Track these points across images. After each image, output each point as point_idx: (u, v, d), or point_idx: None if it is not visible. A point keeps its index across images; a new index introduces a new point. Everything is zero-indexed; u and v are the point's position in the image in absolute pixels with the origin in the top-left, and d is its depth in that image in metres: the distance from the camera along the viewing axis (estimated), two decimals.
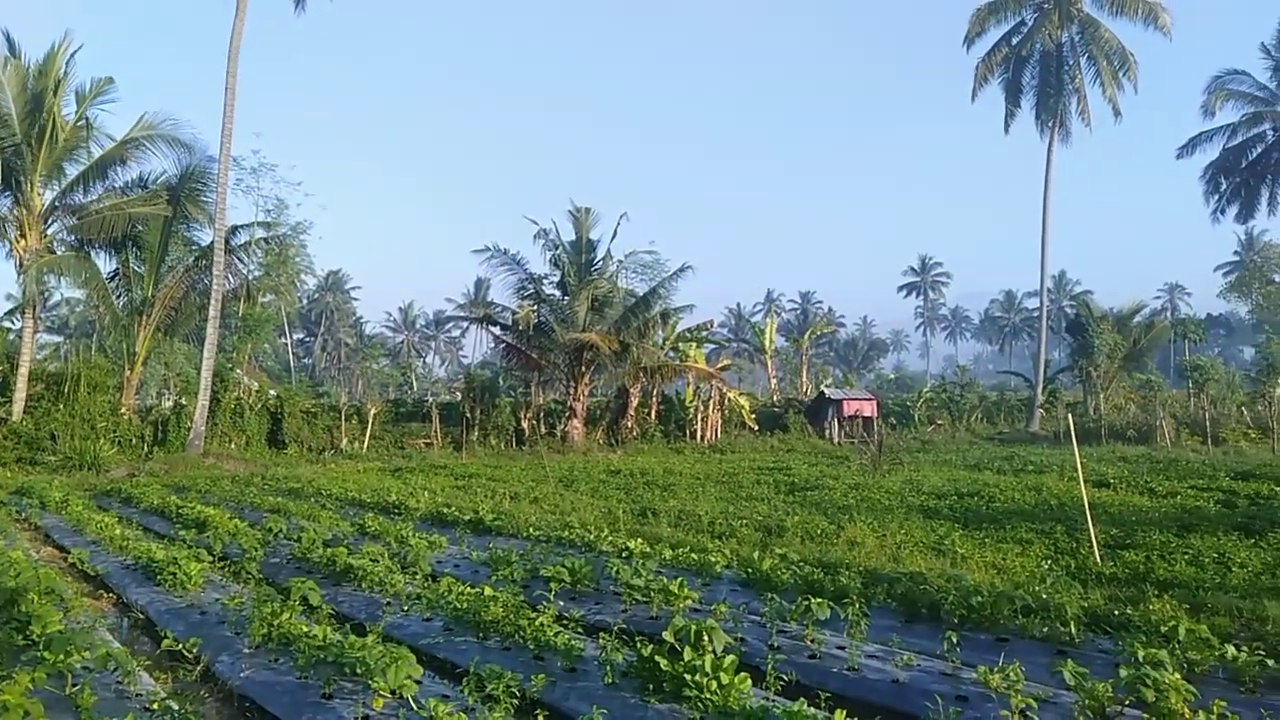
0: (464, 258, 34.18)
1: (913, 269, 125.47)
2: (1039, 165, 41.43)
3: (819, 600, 6.93)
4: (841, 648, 6.67)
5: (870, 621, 7.32)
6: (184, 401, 30.99)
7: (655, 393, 36.79)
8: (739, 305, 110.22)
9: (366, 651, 5.64)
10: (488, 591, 7.62)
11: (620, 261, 34.97)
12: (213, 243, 29.94)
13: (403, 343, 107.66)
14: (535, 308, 34.09)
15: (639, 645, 5.86)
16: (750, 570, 9.21)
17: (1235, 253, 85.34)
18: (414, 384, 79.79)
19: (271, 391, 36.85)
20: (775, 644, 6.84)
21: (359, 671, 5.56)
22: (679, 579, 8.26)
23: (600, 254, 34.72)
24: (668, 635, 5.78)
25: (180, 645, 6.89)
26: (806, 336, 57.91)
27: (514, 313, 34.19)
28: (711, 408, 36.25)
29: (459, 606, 7.53)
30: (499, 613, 7.10)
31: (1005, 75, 41.78)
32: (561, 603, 8.09)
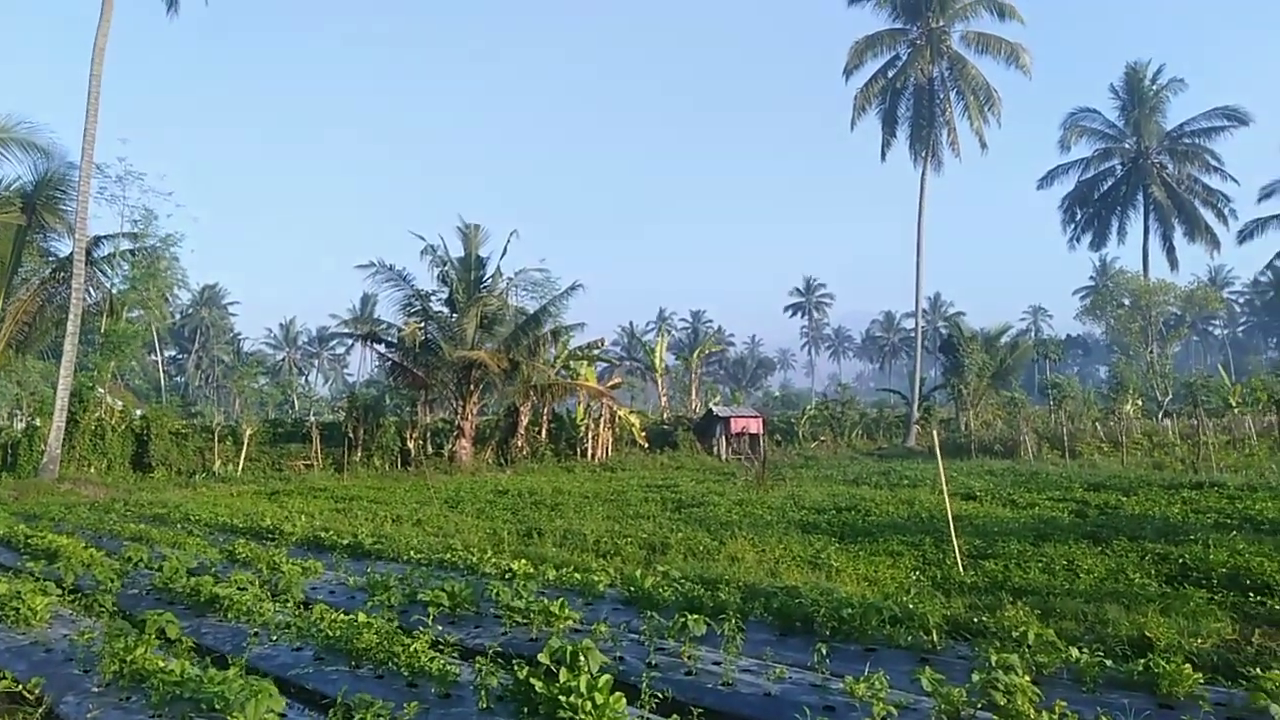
0: (351, 273, 33.28)
1: (798, 290, 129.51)
2: (916, 192, 43.45)
3: (695, 617, 7.04)
4: (718, 663, 6.79)
5: (747, 636, 7.50)
6: (38, 423, 28.91)
7: (546, 411, 36.59)
8: (631, 324, 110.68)
9: (226, 685, 5.39)
10: (361, 618, 7.41)
11: (510, 279, 34.68)
12: (72, 254, 28.15)
13: (284, 360, 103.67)
14: (422, 325, 33.42)
15: (515, 668, 5.81)
16: (633, 589, 9.27)
17: (1091, 278, 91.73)
18: (295, 403, 76.88)
19: (138, 411, 34.82)
20: (653, 662, 6.91)
21: (217, 707, 5.30)
22: (560, 599, 8.23)
23: (490, 271, 34.39)
24: (543, 657, 5.75)
25: (20, 686, 6.41)
26: (695, 355, 58.80)
27: (400, 330, 33.44)
28: (602, 426, 36.29)
29: (331, 634, 7.29)
30: (372, 639, 6.91)
31: (882, 106, 43.73)
32: (440, 627, 7.95)
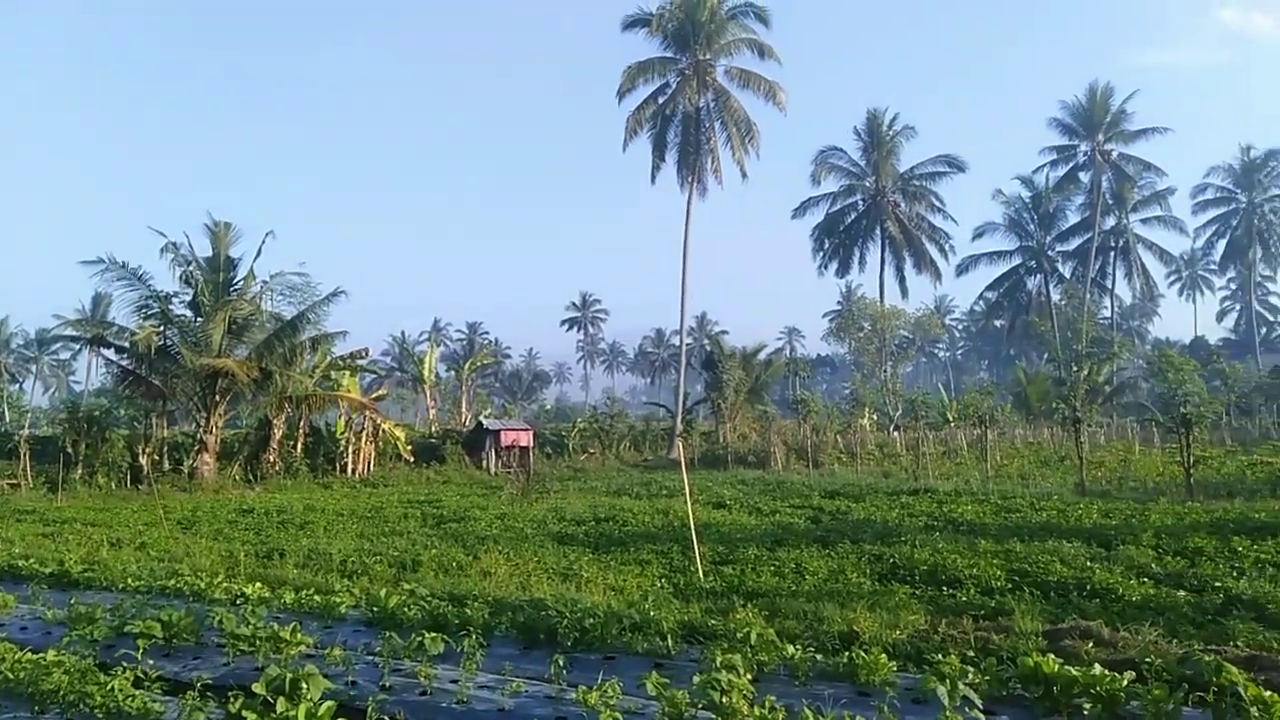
0: (80, 270, 29.39)
1: (575, 304, 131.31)
2: (684, 215, 45.38)
3: (433, 635, 6.90)
4: (456, 681, 6.68)
5: (490, 651, 7.46)
6: None
7: (303, 424, 34.49)
8: (404, 334, 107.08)
9: None
10: (51, 655, 6.61)
11: (265, 282, 32.32)
12: None
13: None
14: (160, 329, 30.40)
15: (230, 700, 5.41)
16: (376, 609, 8.97)
17: (838, 302, 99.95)
18: (5, 414, 67.45)
19: None
20: (387, 684, 6.69)
21: None
22: (294, 624, 7.80)
23: (241, 273, 31.85)
24: (258, 687, 5.40)
25: None
26: (467, 367, 57.91)
27: (133, 334, 30.23)
28: (365, 440, 34.74)
29: (11, 677, 6.44)
30: (62, 679, 6.17)
31: (653, 130, 45.45)
32: (153, 661, 7.25)
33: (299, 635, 7.61)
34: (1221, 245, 79.18)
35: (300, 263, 32.50)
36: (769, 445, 36.05)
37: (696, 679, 5.75)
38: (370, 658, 7.41)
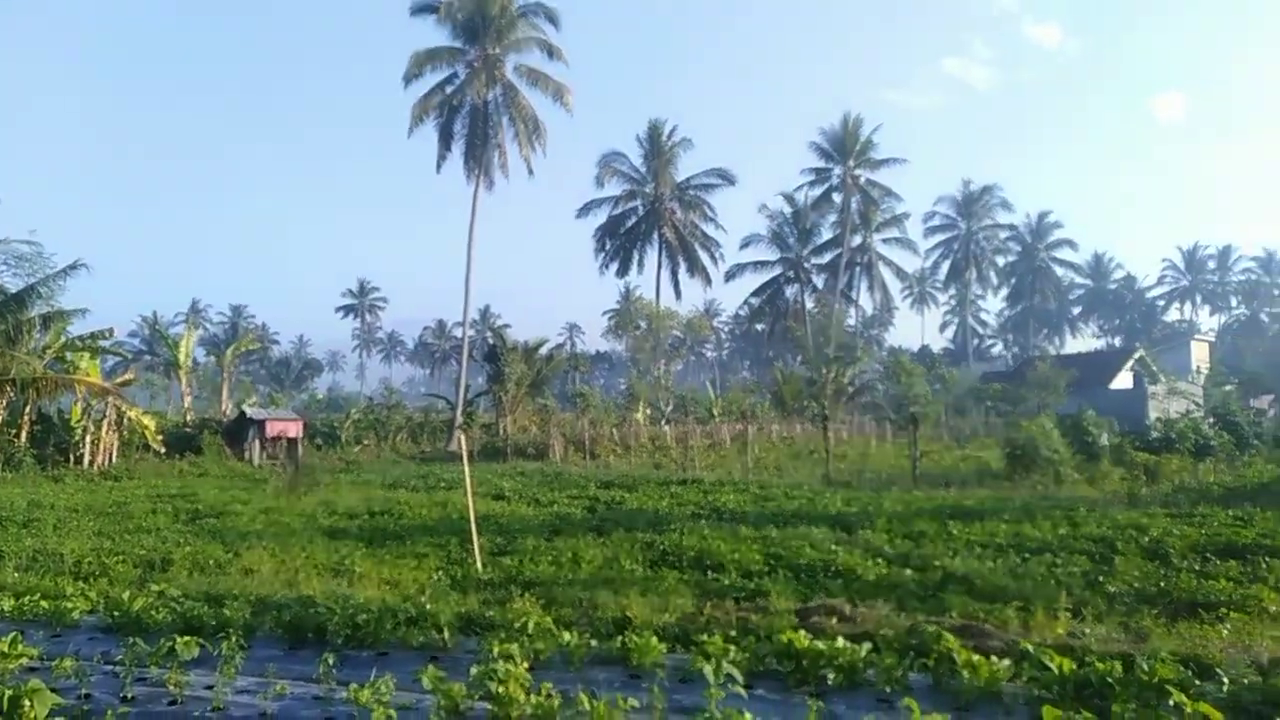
0: None
1: (351, 291, 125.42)
2: (469, 207, 44.64)
3: (186, 639, 6.43)
4: (211, 687, 6.26)
5: (253, 653, 7.05)
6: None
7: (28, 410, 30.55)
8: (156, 314, 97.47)
9: None
10: None
11: None
12: None
13: None
14: None
15: None
16: (118, 613, 8.22)
17: (617, 302, 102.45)
18: None
19: None
20: (130, 695, 6.15)
21: None
22: (13, 634, 6.94)
23: None
24: None
25: None
26: (229, 352, 53.74)
27: None
28: (106, 428, 31.36)
29: None
30: None
31: (439, 119, 44.25)
32: None
33: (20, 646, 6.79)
34: (945, 266, 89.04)
35: (31, 230, 28.65)
36: (549, 438, 36.35)
37: (474, 670, 5.77)
38: (110, 667, 6.77)
